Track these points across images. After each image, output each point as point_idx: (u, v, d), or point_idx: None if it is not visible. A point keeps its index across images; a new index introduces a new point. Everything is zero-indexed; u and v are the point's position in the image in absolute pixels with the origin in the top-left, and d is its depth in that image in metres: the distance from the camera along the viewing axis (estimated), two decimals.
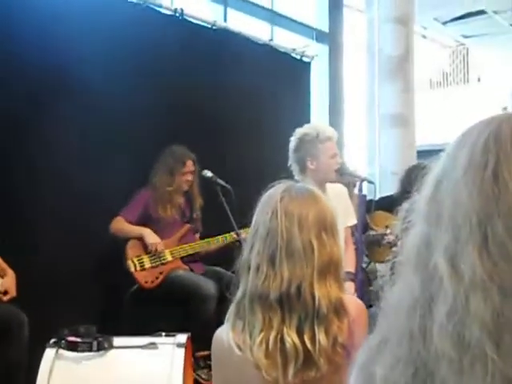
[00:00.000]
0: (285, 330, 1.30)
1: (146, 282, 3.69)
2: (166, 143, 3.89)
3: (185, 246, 3.88)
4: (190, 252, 3.90)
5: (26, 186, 3.44)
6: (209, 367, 3.86)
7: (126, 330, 3.06)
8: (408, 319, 0.66)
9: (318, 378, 1.29)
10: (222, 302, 3.62)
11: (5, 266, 2.97)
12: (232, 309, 1.40)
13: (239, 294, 1.39)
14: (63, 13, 3.56)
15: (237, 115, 4.67)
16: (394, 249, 3.88)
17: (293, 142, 3.18)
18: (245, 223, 3.03)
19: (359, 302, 1.47)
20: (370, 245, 4.43)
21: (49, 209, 3.52)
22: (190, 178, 3.87)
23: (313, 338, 1.29)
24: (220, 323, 1.46)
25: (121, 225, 3.73)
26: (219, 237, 3.85)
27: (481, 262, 0.61)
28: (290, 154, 3.18)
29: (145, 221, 3.80)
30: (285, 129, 5.01)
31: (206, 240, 3.95)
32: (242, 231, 3.27)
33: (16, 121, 3.34)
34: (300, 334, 1.30)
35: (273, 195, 1.40)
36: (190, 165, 3.89)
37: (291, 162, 3.19)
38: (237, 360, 1.33)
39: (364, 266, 4.47)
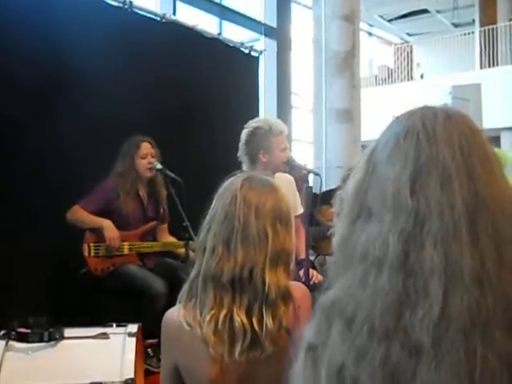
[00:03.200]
0: (235, 309, 1.37)
1: (96, 270, 3.67)
2: (115, 136, 3.87)
3: (144, 243, 3.85)
4: (147, 251, 3.88)
5: None
6: (158, 356, 3.90)
7: (77, 322, 3.07)
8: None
9: (262, 358, 1.36)
10: (173, 294, 3.68)
11: None
12: (185, 287, 1.45)
13: (193, 273, 1.45)
14: None
15: (185, 108, 4.69)
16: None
17: (245, 134, 3.21)
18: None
19: (304, 287, 1.55)
20: (316, 238, 4.55)
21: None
22: (151, 160, 3.77)
23: (260, 321, 1.36)
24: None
25: (79, 214, 3.66)
26: (181, 243, 3.72)
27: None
28: (241, 145, 3.21)
29: (105, 212, 3.72)
30: (234, 122, 5.06)
31: (167, 242, 3.94)
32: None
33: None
34: (249, 315, 1.36)
35: (234, 182, 1.47)
36: (146, 147, 3.81)
37: (241, 154, 3.22)
38: (186, 336, 1.38)
39: (312, 258, 4.58)
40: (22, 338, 2.54)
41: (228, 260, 1.39)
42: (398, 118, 0.84)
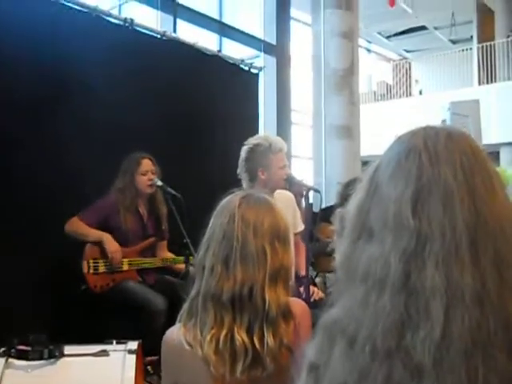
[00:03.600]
0: (235, 328, 1.37)
1: (95, 287, 3.66)
2: (116, 150, 3.89)
3: (144, 259, 3.85)
4: (148, 266, 3.88)
5: None
6: (158, 374, 3.88)
7: (77, 338, 3.06)
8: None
9: (263, 377, 1.36)
10: (173, 311, 3.67)
11: None
12: (185, 307, 1.46)
13: (193, 292, 1.45)
14: None
15: (185, 125, 4.72)
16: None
17: (244, 151, 3.22)
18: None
19: (303, 303, 1.55)
20: (317, 255, 4.54)
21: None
22: (151, 177, 3.78)
23: (261, 339, 1.36)
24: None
25: (77, 225, 3.65)
26: (180, 258, 3.79)
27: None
28: (241, 162, 3.22)
29: (104, 228, 3.72)
30: (233, 139, 5.11)
31: (166, 258, 3.95)
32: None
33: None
34: (249, 333, 1.37)
35: (231, 201, 1.48)
36: (146, 164, 3.83)
37: (240, 171, 3.23)
38: (186, 356, 1.38)
39: (313, 275, 4.58)
40: (21, 356, 2.53)
41: (227, 279, 1.39)
42: (400, 137, 0.84)
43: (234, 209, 1.45)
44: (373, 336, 0.73)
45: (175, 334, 1.43)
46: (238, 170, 3.24)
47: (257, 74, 5.96)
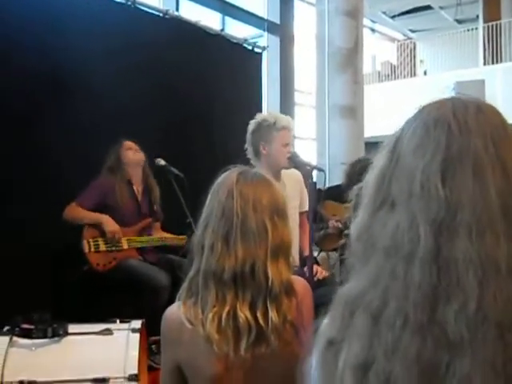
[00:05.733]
0: (238, 306, 1.36)
1: (98, 265, 3.69)
2: (115, 135, 3.88)
3: (142, 238, 3.88)
4: (146, 245, 3.91)
5: None
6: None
7: (80, 318, 3.07)
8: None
9: (268, 353, 1.35)
10: (176, 291, 3.68)
11: None
12: (184, 286, 1.44)
13: (192, 271, 1.44)
14: None
15: (188, 105, 4.69)
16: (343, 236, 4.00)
17: (251, 125, 3.27)
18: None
19: (305, 282, 1.54)
20: (321, 236, 4.54)
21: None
22: (136, 151, 3.86)
23: (265, 315, 1.35)
24: None
25: (76, 211, 3.69)
26: (179, 236, 3.83)
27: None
28: (247, 136, 3.27)
29: (102, 208, 3.76)
30: (236, 119, 5.10)
31: (164, 236, 3.96)
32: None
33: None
34: (253, 310, 1.36)
35: (228, 177, 1.46)
36: (128, 143, 3.89)
37: (247, 145, 3.29)
38: (187, 334, 1.37)
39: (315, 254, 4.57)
40: (25, 334, 2.54)
41: (228, 256, 1.38)
42: (423, 108, 0.82)
43: (232, 185, 1.43)
44: (403, 310, 0.71)
45: (175, 311, 1.42)
46: (246, 145, 3.29)
47: (260, 54, 5.91)
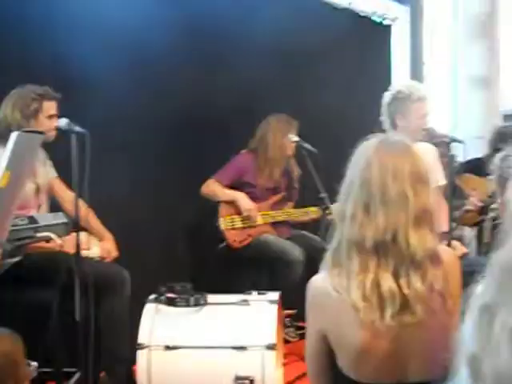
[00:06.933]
0: (381, 274, 1.35)
1: (235, 241, 3.80)
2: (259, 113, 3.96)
3: (277, 212, 3.94)
4: (280, 219, 3.97)
5: None
6: (295, 326, 3.97)
7: (217, 289, 3.20)
8: None
9: (414, 322, 1.34)
10: (310, 266, 3.72)
11: (103, 229, 3.15)
12: (328, 256, 1.46)
13: (334, 242, 1.45)
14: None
15: (316, 80, 4.68)
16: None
17: (386, 97, 3.23)
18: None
19: (452, 251, 1.50)
20: (461, 212, 4.36)
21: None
22: (290, 137, 3.73)
23: (408, 283, 1.34)
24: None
25: (213, 187, 3.81)
26: (312, 209, 3.83)
27: None
28: (383, 108, 3.23)
29: (238, 185, 3.87)
30: (365, 95, 5.01)
31: (299, 210, 3.99)
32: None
33: None
34: (396, 278, 1.35)
35: (368, 146, 1.45)
36: (274, 126, 3.90)
37: (383, 116, 3.25)
38: (333, 302, 1.39)
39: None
40: (170, 303, 2.70)
41: (369, 225, 1.38)
42: None
43: (371, 154, 1.42)
44: None
45: (320, 281, 1.44)
46: (381, 116, 3.25)
47: (389, 26, 5.75)
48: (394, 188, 1.37)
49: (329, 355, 1.45)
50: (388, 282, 1.34)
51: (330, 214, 3.16)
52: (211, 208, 3.85)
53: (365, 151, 1.45)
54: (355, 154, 1.47)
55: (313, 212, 3.86)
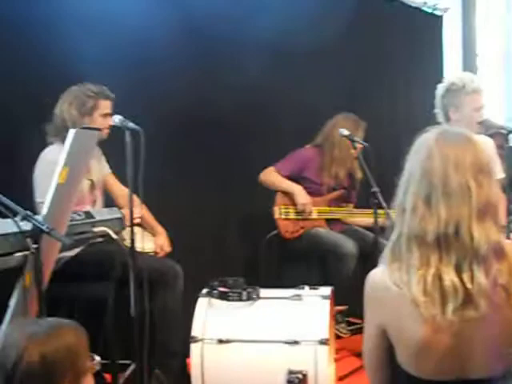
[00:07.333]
0: (443, 268, 1.32)
1: (286, 232, 3.80)
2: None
3: (334, 209, 3.92)
4: (337, 217, 3.95)
5: None
6: (346, 322, 3.95)
7: (267, 282, 3.21)
8: None
9: (477, 317, 1.31)
10: (362, 262, 3.69)
11: (156, 224, 3.20)
12: (387, 250, 1.43)
13: (394, 235, 1.42)
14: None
15: (368, 73, 4.63)
16: None
17: (440, 89, 3.19)
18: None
19: None
20: None
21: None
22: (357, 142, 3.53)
23: (472, 278, 1.31)
24: (363, 281, 1.48)
25: (272, 176, 3.82)
26: (368, 211, 3.63)
27: None
28: (436, 100, 3.19)
29: (296, 178, 3.86)
30: (416, 86, 4.94)
31: (358, 211, 3.94)
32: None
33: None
34: (458, 272, 1.32)
35: (428, 137, 1.42)
36: (340, 123, 3.78)
37: (437, 109, 3.21)
38: (393, 297, 1.36)
39: None
40: (222, 297, 2.72)
41: (431, 218, 1.34)
42: None
43: (432, 145, 1.39)
44: None
45: (379, 275, 1.42)
46: (435, 109, 3.21)
47: (441, 17, 5.63)
48: (456, 179, 1.34)
49: (387, 350, 1.43)
50: (450, 277, 1.31)
51: (382, 208, 3.12)
52: (263, 202, 3.86)
53: (425, 142, 1.42)
54: (415, 145, 1.45)
55: (367, 214, 3.74)
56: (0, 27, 2.99)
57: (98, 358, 1.37)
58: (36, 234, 1.78)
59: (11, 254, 1.92)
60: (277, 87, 4.02)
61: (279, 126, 4.08)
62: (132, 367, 2.86)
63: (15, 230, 1.85)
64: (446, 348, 1.33)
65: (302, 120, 4.12)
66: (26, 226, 1.83)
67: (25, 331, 1.28)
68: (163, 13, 3.46)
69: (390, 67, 4.86)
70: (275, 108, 4.04)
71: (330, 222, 3.94)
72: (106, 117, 2.90)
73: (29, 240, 1.80)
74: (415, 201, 1.37)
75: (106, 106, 2.96)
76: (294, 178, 3.85)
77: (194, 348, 2.62)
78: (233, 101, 3.78)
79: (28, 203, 2.21)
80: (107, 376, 2.80)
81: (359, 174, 3.87)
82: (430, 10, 5.50)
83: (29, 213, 1.80)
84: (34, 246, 1.79)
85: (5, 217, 1.85)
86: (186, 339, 2.69)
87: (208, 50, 3.70)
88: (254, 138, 3.95)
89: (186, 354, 2.75)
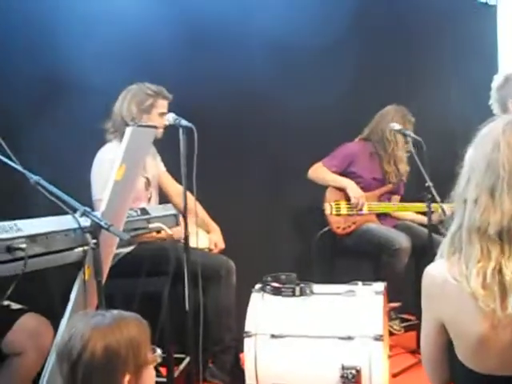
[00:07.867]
0: (503, 262, 1.29)
1: (338, 228, 3.79)
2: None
3: (384, 203, 3.91)
4: (387, 211, 3.93)
5: None
6: (400, 319, 3.90)
7: (319, 278, 3.21)
8: None
9: None
10: (417, 258, 3.64)
11: (211, 221, 3.24)
12: (446, 242, 1.40)
13: (454, 227, 1.39)
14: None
15: (417, 65, 4.57)
16: None
17: (496, 81, 3.13)
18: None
19: None
20: None
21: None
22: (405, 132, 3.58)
23: None
24: (419, 277, 1.45)
25: (322, 172, 3.82)
26: (419, 204, 3.63)
27: None
28: (493, 92, 3.13)
29: (344, 173, 3.86)
30: (469, 79, 4.82)
31: (410, 205, 3.91)
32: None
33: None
34: None
35: (494, 128, 1.39)
36: (390, 116, 3.83)
37: (492, 101, 3.14)
38: (451, 290, 1.34)
39: None
40: (275, 292, 2.73)
41: (494, 210, 1.31)
42: None
43: (498, 136, 1.35)
44: None
45: (438, 268, 1.39)
46: (490, 101, 3.14)
47: (494, 7, 5.49)
48: None
49: (446, 345, 1.41)
50: (511, 271, 1.28)
51: (435, 202, 3.07)
52: (314, 197, 3.87)
53: (490, 132, 1.39)
54: (479, 136, 1.42)
55: (419, 208, 3.70)
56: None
57: (159, 351, 1.40)
58: (95, 229, 1.83)
59: (71, 249, 1.98)
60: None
61: (322, 123, 4.00)
62: (186, 361, 2.91)
63: (75, 225, 1.91)
64: (506, 343, 1.30)
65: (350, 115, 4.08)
66: (86, 221, 1.89)
67: (89, 322, 1.32)
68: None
69: (442, 59, 4.75)
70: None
71: (381, 218, 3.91)
72: (163, 116, 2.96)
73: (88, 235, 1.85)
74: (478, 192, 1.34)
75: (163, 105, 3.03)
76: (342, 173, 3.85)
77: (248, 343, 2.63)
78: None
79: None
80: (162, 369, 2.85)
81: (406, 167, 3.86)
82: (483, 0, 5.37)
83: (87, 209, 1.85)
84: (94, 241, 1.83)
85: (65, 213, 1.90)
86: (240, 334, 2.72)
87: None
88: (300, 136, 3.94)
89: (240, 348, 2.77)
